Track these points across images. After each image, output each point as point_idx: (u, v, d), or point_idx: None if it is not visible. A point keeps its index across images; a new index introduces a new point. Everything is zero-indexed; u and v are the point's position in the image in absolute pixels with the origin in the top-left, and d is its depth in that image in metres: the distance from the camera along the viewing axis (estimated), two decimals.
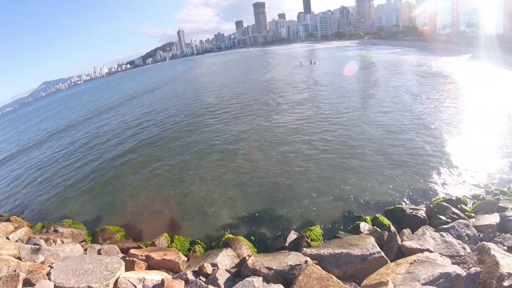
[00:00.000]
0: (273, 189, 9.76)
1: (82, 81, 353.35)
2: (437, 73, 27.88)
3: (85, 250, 7.36)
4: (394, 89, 21.95)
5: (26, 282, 5.27)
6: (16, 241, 8.67)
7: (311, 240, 6.67)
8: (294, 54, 70.93)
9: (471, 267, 4.80)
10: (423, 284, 4.03)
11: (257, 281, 4.27)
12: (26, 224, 10.35)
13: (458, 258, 5.15)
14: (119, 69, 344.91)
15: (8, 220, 10.78)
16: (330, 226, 7.61)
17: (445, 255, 5.02)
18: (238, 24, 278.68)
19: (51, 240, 8.21)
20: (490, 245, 4.86)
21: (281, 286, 4.22)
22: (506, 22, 49.74)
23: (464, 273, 4.30)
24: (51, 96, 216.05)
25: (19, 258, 6.82)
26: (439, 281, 4.13)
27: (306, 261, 4.61)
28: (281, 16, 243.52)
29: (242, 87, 31.98)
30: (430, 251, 5.03)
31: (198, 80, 49.14)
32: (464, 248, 5.27)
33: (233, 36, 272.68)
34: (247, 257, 5.29)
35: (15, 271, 5.65)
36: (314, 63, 44.84)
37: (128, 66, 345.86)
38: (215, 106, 23.96)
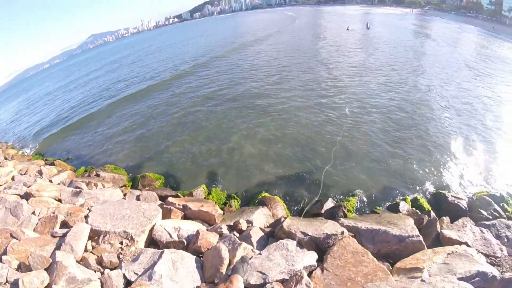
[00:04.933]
0: (316, 154, 9.56)
1: (129, 34, 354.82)
2: None
3: (125, 195, 7.61)
4: (457, 69, 19.54)
5: (64, 223, 5.43)
6: (58, 183, 8.99)
7: (347, 211, 6.58)
8: (347, 17, 64.51)
9: (504, 271, 4.66)
10: (458, 279, 3.94)
11: (291, 244, 4.32)
12: (70, 168, 10.88)
13: (493, 258, 4.97)
14: (166, 23, 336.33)
15: (52, 164, 11.47)
16: (368, 200, 7.43)
17: (482, 253, 4.84)
18: None
19: (92, 184, 8.48)
20: None
21: (315, 253, 4.24)
22: None
23: (500, 276, 4.15)
24: (99, 47, 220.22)
25: (60, 200, 7.08)
26: (475, 279, 3.96)
27: (342, 232, 4.56)
28: None
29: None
30: (468, 245, 4.86)
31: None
32: (501, 250, 5.06)
33: None
34: (282, 219, 5.34)
35: (53, 212, 5.87)
36: (369, 28, 41.47)
37: (176, 20, 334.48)
38: (266, 66, 23.28)
